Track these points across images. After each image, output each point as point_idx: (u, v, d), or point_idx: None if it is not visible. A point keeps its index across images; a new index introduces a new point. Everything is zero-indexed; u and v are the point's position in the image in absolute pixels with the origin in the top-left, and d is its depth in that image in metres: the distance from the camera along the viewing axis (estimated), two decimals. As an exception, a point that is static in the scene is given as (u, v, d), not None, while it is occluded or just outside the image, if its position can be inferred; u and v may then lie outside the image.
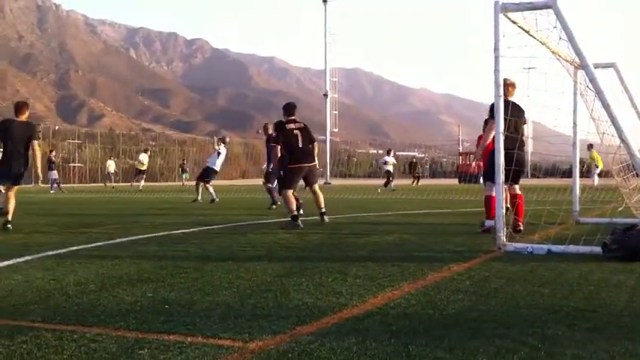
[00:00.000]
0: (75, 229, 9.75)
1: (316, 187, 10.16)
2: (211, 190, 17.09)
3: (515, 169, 7.57)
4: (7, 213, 9.47)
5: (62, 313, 3.83)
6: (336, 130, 49.78)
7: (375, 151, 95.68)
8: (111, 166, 40.58)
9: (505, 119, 7.11)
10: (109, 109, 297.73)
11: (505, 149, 6.88)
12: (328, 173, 47.30)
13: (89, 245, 7.29)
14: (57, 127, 72.24)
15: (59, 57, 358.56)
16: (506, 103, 7.63)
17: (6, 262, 5.88)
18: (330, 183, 43.00)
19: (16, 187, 9.78)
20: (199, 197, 17.27)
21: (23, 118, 9.87)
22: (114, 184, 38.45)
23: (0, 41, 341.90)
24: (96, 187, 40.04)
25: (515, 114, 7.84)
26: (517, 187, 8.31)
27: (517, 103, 8.27)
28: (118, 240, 7.88)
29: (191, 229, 9.34)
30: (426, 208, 14.30)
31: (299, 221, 9.50)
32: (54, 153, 35.16)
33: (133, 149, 55.85)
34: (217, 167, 17.67)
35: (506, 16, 6.72)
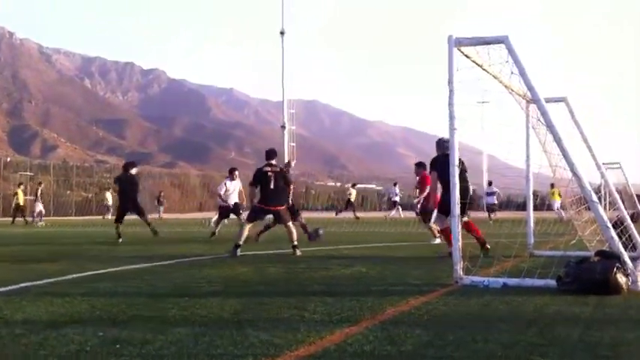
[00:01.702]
0: (27, 264, 9.47)
1: (289, 224, 10.80)
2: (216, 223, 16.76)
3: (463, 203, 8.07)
4: None
5: (9, 354, 3.70)
6: (294, 161, 49.80)
7: (334, 184, 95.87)
8: (108, 198, 40.02)
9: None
10: (63, 140, 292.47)
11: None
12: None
13: (41, 282, 7.07)
14: (9, 159, 70.52)
15: (12, 86, 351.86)
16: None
17: (-50, 300, 5.65)
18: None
19: None
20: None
21: None
22: (110, 217, 37.83)
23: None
24: (52, 220, 39.08)
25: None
26: (465, 217, 9.20)
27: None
28: (71, 276, 7.66)
29: (146, 264, 9.15)
30: (383, 241, 14.33)
31: (237, 251, 10.33)
32: (42, 186, 34.77)
33: (87, 181, 54.77)
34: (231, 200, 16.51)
35: (460, 50, 6.85)
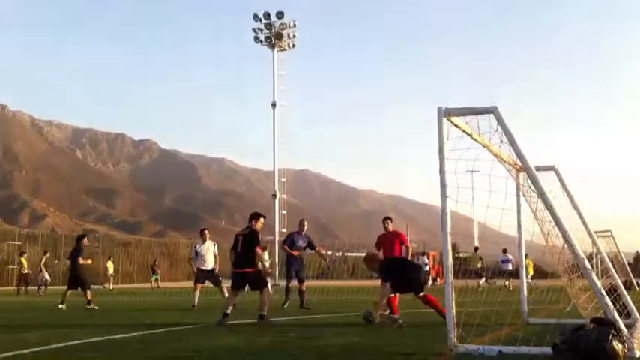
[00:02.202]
0: (11, 333, 9.24)
1: (264, 290, 10.47)
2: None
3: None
4: None
5: None
6: (285, 230, 49.64)
7: (325, 252, 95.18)
8: (111, 267, 39.84)
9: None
10: (52, 209, 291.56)
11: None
12: (277, 274, 46.65)
13: (25, 350, 6.87)
14: (-4, 228, 69.94)
15: (3, 157, 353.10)
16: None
17: None
18: (278, 284, 42.34)
19: None
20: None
21: None
22: (112, 287, 37.35)
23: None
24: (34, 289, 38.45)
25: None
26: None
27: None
28: (55, 345, 7.46)
29: (135, 333, 8.95)
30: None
31: (224, 319, 10.28)
32: (48, 255, 34.91)
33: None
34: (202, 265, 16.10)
35: (449, 120, 6.94)
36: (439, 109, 6.90)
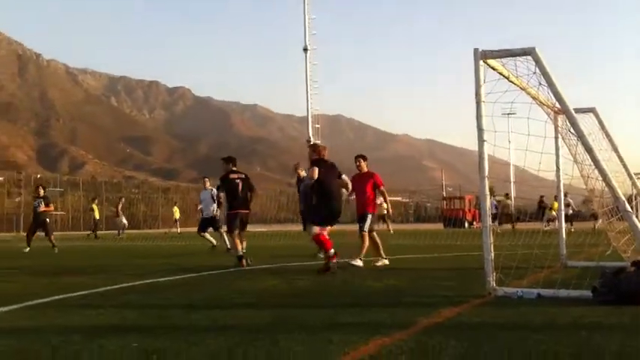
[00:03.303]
0: (59, 277, 9.57)
1: (244, 233, 11.39)
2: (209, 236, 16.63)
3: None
4: None
5: (46, 365, 3.73)
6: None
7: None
8: (177, 212, 40.99)
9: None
10: (91, 157, 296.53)
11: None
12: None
13: (73, 294, 7.13)
14: (38, 176, 71.66)
15: (40, 106, 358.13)
16: (321, 161, 9.71)
17: (-13, 313, 5.73)
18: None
19: None
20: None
21: None
22: (179, 230, 38.62)
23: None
24: (80, 235, 39.54)
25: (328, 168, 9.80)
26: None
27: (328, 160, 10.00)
28: (102, 288, 7.73)
29: (177, 277, 9.19)
30: (412, 253, 14.24)
31: (244, 261, 10.62)
32: (123, 200, 36.66)
33: (115, 197, 55.43)
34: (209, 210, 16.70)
35: (485, 62, 6.80)
36: (475, 51, 6.76)
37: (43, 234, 17.92)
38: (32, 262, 13.72)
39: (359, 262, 10.26)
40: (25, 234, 18.92)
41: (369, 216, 10.64)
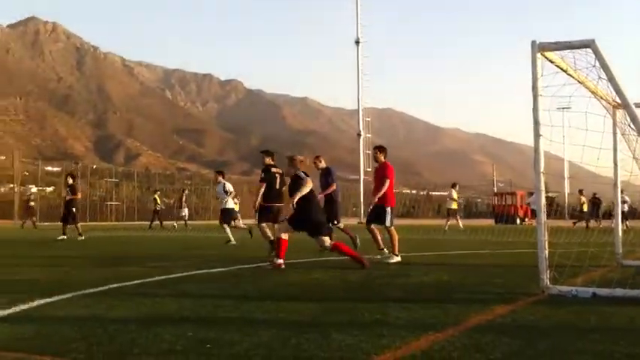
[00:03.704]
0: (114, 266, 9.82)
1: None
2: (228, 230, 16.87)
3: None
4: None
5: (104, 351, 3.84)
6: (370, 169, 49.74)
7: (409, 191, 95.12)
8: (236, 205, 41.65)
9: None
10: (145, 148, 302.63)
11: None
12: (362, 213, 47.09)
13: (129, 283, 7.32)
14: (94, 166, 73.52)
15: (97, 98, 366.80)
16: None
17: (47, 299, 5.92)
18: (363, 222, 42.77)
19: None
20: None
21: None
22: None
23: (40, 82, 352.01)
24: (132, 225, 40.45)
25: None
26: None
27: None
28: (157, 278, 7.90)
29: (229, 268, 9.33)
30: (462, 249, 14.10)
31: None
32: (187, 192, 37.93)
33: (168, 188, 56.51)
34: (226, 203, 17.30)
35: (543, 55, 6.67)
36: (533, 43, 6.63)
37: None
38: (89, 251, 14.12)
39: (397, 258, 10.26)
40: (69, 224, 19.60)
41: (389, 209, 10.50)
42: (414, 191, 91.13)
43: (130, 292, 6.61)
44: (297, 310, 5.38)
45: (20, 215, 41.79)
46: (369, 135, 51.40)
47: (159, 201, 33.42)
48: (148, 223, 32.86)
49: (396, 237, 10.44)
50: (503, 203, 46.97)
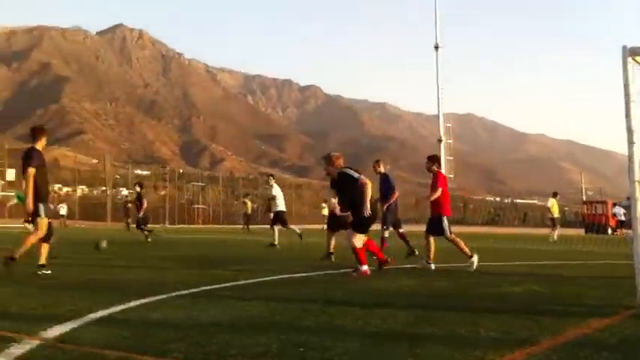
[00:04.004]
0: (204, 269, 10.09)
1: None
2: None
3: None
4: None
5: (202, 352, 3.94)
6: (452, 176, 49.02)
7: (492, 199, 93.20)
8: (325, 209, 42.51)
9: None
10: (229, 153, 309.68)
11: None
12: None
13: (219, 285, 7.50)
14: (181, 170, 75.78)
15: (182, 103, 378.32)
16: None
17: (143, 300, 6.14)
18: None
19: (39, 224, 8.64)
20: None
21: (37, 145, 8.79)
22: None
23: (128, 89, 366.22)
24: (219, 228, 41.45)
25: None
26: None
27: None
28: (244, 281, 8.07)
29: (315, 273, 9.41)
30: (553, 259, 13.69)
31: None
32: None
33: (252, 192, 57.54)
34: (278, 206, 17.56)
35: (634, 60, 6.42)
36: (623, 48, 6.39)
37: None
38: (178, 253, 14.56)
39: (474, 261, 10.14)
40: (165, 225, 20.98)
41: (445, 218, 10.41)
42: (497, 198, 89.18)
43: (220, 295, 6.78)
44: (387, 317, 5.36)
45: (123, 218, 43.37)
46: (450, 141, 50.70)
47: (249, 205, 34.26)
48: (235, 225, 33.68)
49: (461, 242, 10.33)
50: (594, 212, 45.25)
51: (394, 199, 12.63)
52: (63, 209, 50.78)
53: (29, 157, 8.53)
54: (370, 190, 8.79)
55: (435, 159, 10.92)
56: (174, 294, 6.62)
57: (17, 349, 3.88)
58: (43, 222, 8.62)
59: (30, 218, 10.37)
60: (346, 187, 9.00)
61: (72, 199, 58.76)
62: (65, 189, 72.47)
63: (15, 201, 21.87)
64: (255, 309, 5.72)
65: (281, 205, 17.44)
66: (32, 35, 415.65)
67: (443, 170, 41.23)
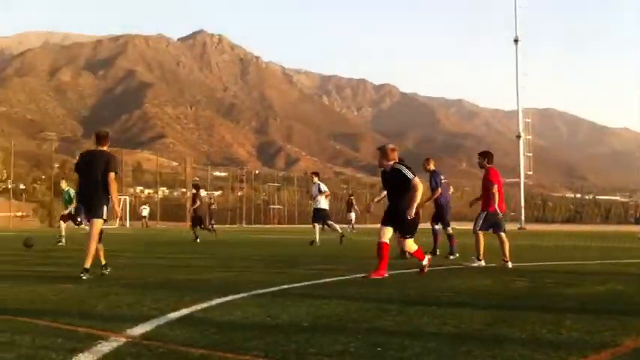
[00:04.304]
0: (281, 268, 10.26)
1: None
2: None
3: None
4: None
5: (282, 350, 4.03)
6: (531, 172, 47.79)
7: (573, 195, 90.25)
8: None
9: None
10: (304, 153, 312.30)
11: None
12: (523, 218, 45.40)
13: (297, 284, 7.62)
14: (257, 171, 77.01)
15: (259, 105, 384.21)
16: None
17: (224, 299, 6.30)
18: (524, 228, 41.25)
19: (96, 225, 8.59)
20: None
21: (102, 148, 8.89)
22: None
23: (208, 92, 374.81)
24: (294, 228, 41.85)
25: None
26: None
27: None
28: (322, 280, 8.17)
29: (392, 272, 9.40)
30: (636, 257, 13.18)
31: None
32: (353, 197, 39.28)
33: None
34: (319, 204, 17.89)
35: None
36: None
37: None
38: (256, 252, 14.83)
39: (476, 264, 10.42)
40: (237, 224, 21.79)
41: (482, 215, 10.45)
42: (578, 195, 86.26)
43: (299, 294, 6.88)
44: (465, 317, 5.32)
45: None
46: (529, 137, 49.41)
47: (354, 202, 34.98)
48: (310, 226, 33.98)
49: (482, 243, 10.47)
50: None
51: (435, 196, 12.72)
52: (145, 210, 52.54)
53: (111, 162, 8.78)
54: (420, 194, 8.51)
55: (486, 155, 10.89)
56: (254, 292, 6.76)
57: (105, 347, 4.05)
58: (100, 223, 8.63)
59: (78, 220, 10.41)
60: (397, 184, 8.64)
61: (153, 201, 60.67)
62: (147, 191, 75.01)
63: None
64: (333, 308, 5.78)
65: (322, 203, 17.76)
66: (117, 43, 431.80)
67: (521, 167, 40.54)
